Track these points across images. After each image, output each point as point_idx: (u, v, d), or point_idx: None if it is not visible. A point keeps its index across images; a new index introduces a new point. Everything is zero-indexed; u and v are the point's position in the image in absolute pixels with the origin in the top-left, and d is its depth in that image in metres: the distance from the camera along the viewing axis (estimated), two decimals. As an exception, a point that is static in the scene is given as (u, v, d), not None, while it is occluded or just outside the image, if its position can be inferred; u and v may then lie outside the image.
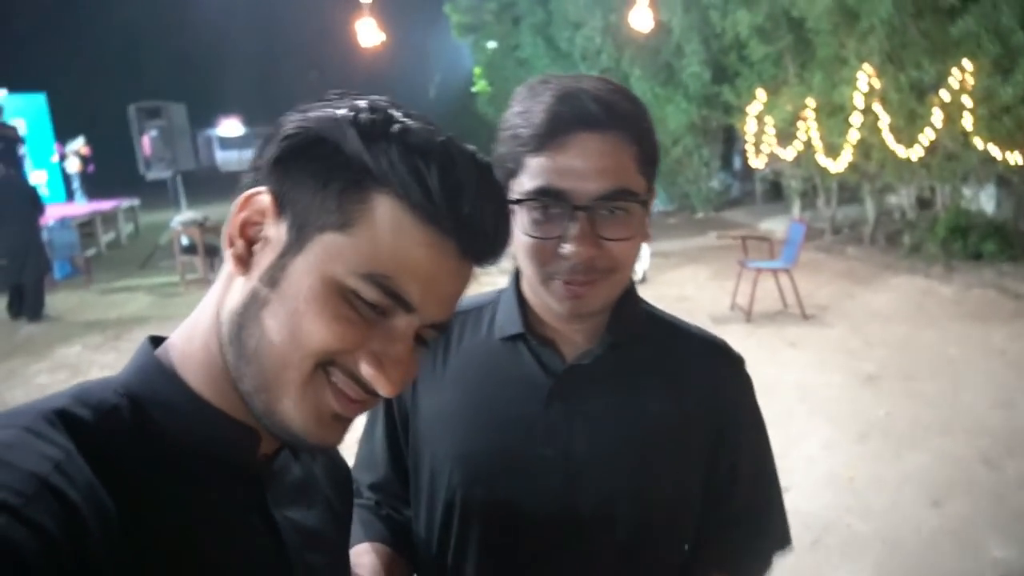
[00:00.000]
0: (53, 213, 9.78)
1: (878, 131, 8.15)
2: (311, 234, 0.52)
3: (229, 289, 0.56)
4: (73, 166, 14.59)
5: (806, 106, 9.33)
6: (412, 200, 0.52)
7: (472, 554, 0.90)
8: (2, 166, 7.82)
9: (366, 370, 0.53)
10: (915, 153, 7.91)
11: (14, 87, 13.93)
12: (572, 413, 0.87)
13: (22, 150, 11.62)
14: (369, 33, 7.82)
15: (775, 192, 12.92)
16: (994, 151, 7.28)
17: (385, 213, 0.52)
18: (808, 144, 9.43)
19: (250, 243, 0.55)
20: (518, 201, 0.79)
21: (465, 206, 0.53)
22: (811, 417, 4.28)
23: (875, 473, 3.60)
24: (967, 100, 7.29)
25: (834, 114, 8.93)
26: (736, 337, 5.85)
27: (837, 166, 8.96)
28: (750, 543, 0.97)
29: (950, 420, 4.14)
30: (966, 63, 7.27)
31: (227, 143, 36.72)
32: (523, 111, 0.80)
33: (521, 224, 0.80)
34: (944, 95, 7.50)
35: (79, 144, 14.89)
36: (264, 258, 0.54)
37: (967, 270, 7.46)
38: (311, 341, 0.52)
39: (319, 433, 0.55)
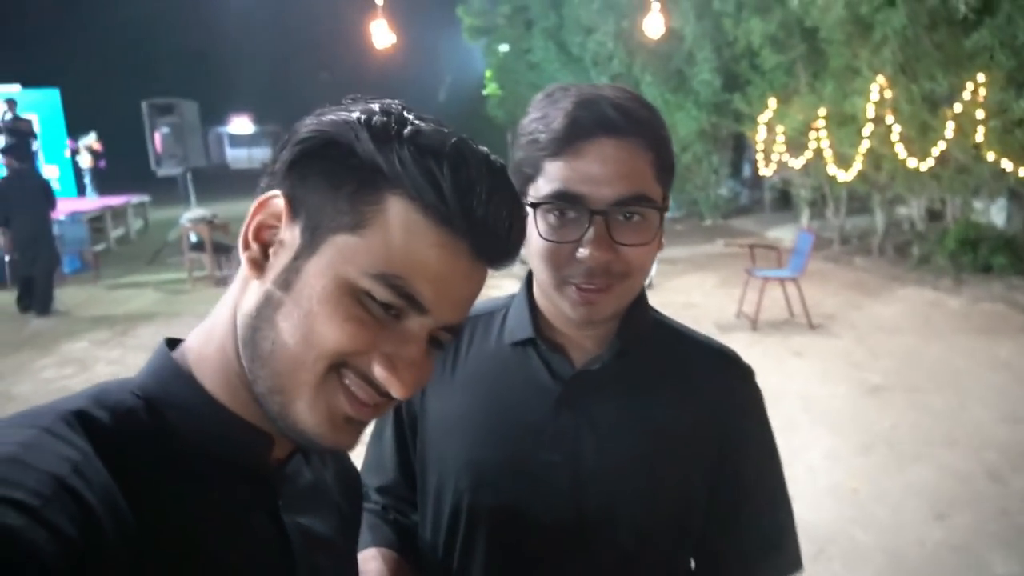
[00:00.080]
0: (64, 208, 9.84)
1: (889, 142, 8.12)
2: (324, 236, 0.52)
3: (245, 292, 0.56)
4: (85, 161, 14.71)
5: (817, 115, 9.31)
6: (425, 201, 0.52)
7: (478, 558, 0.90)
8: (15, 160, 7.88)
9: (379, 372, 0.53)
10: (926, 165, 7.89)
11: (28, 82, 14.05)
12: (580, 419, 0.87)
13: (35, 145, 11.71)
14: (382, 35, 7.84)
15: (784, 201, 12.89)
16: (1006, 164, 7.25)
17: (398, 214, 0.52)
18: (818, 153, 9.40)
19: (265, 247, 0.55)
20: (535, 205, 0.80)
21: (478, 207, 0.53)
22: (815, 427, 4.26)
23: (879, 485, 3.58)
24: (980, 113, 7.26)
25: (845, 124, 8.90)
26: (741, 345, 5.79)
27: (847, 176, 8.93)
28: (759, 559, 0.95)
29: (955, 433, 4.11)
30: (979, 76, 7.25)
31: (237, 141, 36.89)
32: (542, 117, 0.81)
33: (538, 228, 0.80)
34: (956, 107, 7.47)
35: (91, 139, 15.02)
36: (278, 261, 0.54)
37: (976, 283, 7.42)
38: (324, 342, 0.52)
39: (332, 436, 0.55)
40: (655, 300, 0.94)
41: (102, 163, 15.40)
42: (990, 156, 7.31)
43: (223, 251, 9.19)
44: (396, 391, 0.54)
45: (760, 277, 6.48)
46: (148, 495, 0.49)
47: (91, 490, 0.45)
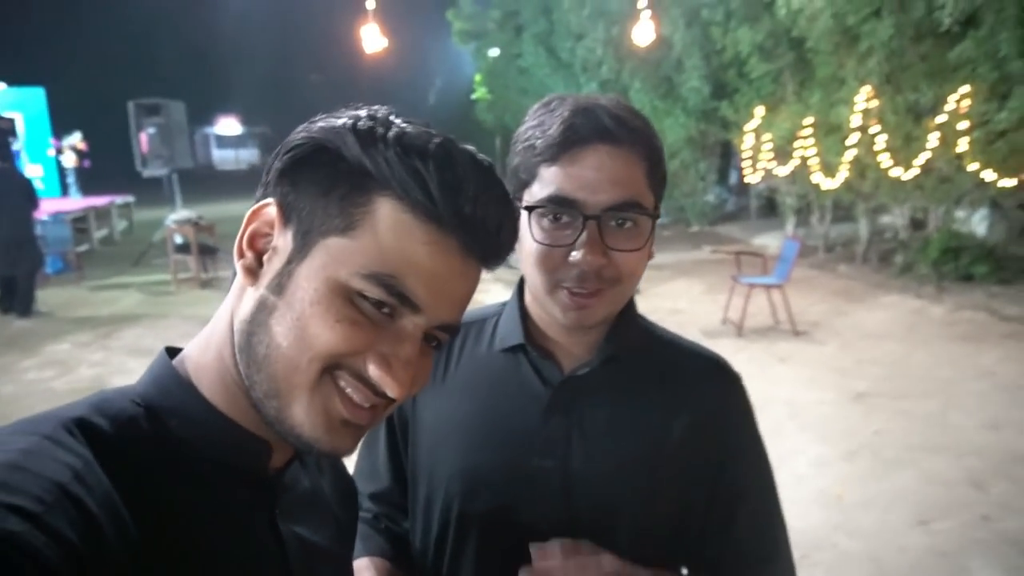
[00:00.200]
0: (47, 208, 9.74)
1: (874, 151, 8.22)
2: (315, 239, 0.53)
3: (241, 300, 0.56)
4: (69, 161, 14.57)
5: (804, 124, 9.41)
6: (413, 200, 0.52)
7: (468, 564, 0.90)
8: (-2, 159, 7.78)
9: (374, 371, 0.53)
10: (910, 174, 7.99)
11: (12, 81, 13.92)
12: (570, 424, 0.87)
13: (17, 143, 11.58)
14: (373, 39, 7.83)
15: (770, 208, 13.00)
16: (988, 175, 7.36)
17: (387, 214, 0.53)
18: (804, 161, 9.49)
19: (259, 255, 0.56)
20: (530, 209, 0.81)
21: (466, 204, 0.53)
22: (801, 434, 4.29)
23: (864, 491, 3.61)
24: (963, 124, 7.37)
25: (831, 133, 9.01)
26: (727, 352, 5.80)
27: (832, 184, 9.03)
28: (754, 570, 0.94)
29: (939, 440, 4.16)
30: (963, 88, 7.36)
31: (224, 142, 36.64)
32: (538, 124, 0.82)
33: (532, 232, 0.81)
34: (940, 118, 7.58)
35: (76, 139, 14.88)
36: (272, 267, 0.55)
37: (958, 291, 7.51)
38: (317, 344, 0.52)
39: (329, 439, 0.55)
40: (642, 306, 0.94)
41: (86, 163, 15.26)
42: (973, 166, 7.42)
43: (208, 253, 9.13)
44: (391, 390, 0.54)
45: (746, 284, 6.53)
46: (148, 502, 0.49)
47: (92, 497, 0.45)
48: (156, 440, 0.53)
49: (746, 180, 11.84)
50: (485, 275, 0.60)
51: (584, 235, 0.78)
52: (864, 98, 8.21)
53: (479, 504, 0.88)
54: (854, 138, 8.41)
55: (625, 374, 0.89)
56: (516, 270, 0.88)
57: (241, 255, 0.56)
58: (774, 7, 8.88)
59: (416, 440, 0.95)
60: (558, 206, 0.79)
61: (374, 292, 0.52)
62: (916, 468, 3.83)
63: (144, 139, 10.20)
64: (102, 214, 12.84)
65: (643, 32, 8.70)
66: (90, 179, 15.35)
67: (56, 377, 5.45)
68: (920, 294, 7.67)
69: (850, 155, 8.55)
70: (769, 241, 11.03)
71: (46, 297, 7.96)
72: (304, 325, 0.52)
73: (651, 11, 8.74)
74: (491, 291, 6.70)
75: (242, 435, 0.57)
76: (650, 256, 0.85)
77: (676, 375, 0.92)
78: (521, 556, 0.87)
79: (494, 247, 0.57)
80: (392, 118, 0.55)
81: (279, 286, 0.53)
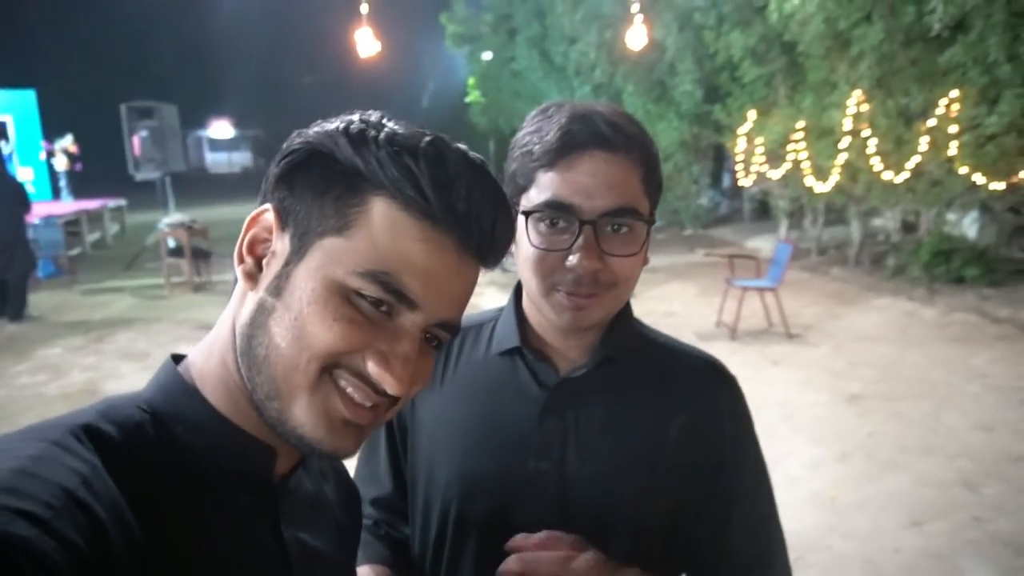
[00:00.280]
0: (38, 211, 9.68)
1: (865, 155, 8.28)
2: (312, 240, 0.54)
3: (242, 305, 0.57)
4: (61, 164, 14.48)
5: (796, 128, 9.46)
6: (406, 198, 0.53)
7: (466, 566, 0.90)
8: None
9: (372, 368, 0.54)
10: (901, 177, 8.04)
11: (3, 83, 13.84)
12: (566, 426, 0.88)
13: (7, 147, 11.50)
14: (367, 43, 7.83)
15: (763, 211, 13.05)
16: (978, 178, 7.42)
17: (381, 213, 0.53)
18: (796, 165, 9.55)
19: (259, 260, 0.57)
20: (527, 213, 0.82)
21: (458, 200, 0.54)
22: (794, 436, 4.31)
23: (857, 493, 3.63)
24: (953, 128, 7.43)
25: (823, 137, 9.06)
26: (721, 354, 5.80)
27: (824, 187, 9.08)
28: (752, 574, 0.94)
29: (932, 442, 4.18)
30: (953, 92, 7.42)
31: (217, 145, 36.49)
32: (536, 130, 0.83)
33: (528, 236, 0.82)
34: (931, 122, 7.64)
35: (67, 142, 14.79)
36: (271, 271, 0.55)
37: (950, 293, 7.56)
38: (315, 342, 0.52)
39: (331, 439, 0.55)
40: (636, 309, 0.95)
41: (78, 166, 15.17)
42: (963, 170, 7.48)
43: (202, 257, 9.10)
44: (391, 387, 0.54)
45: (739, 287, 6.55)
46: (154, 508, 0.50)
47: (99, 502, 0.45)
48: (162, 446, 0.54)
49: (739, 183, 11.88)
50: (480, 278, 0.60)
51: (580, 240, 0.79)
52: (855, 102, 8.26)
53: (476, 507, 0.88)
54: (846, 142, 8.46)
55: (620, 376, 0.90)
56: (511, 273, 0.89)
57: (241, 260, 0.57)
58: (766, 11, 8.93)
59: (415, 444, 0.96)
60: (555, 211, 0.80)
61: (370, 290, 0.53)
62: (909, 470, 3.85)
63: (137, 142, 10.16)
64: (94, 218, 12.77)
65: (636, 36, 8.74)
66: (82, 182, 15.26)
67: (48, 382, 5.42)
68: (912, 296, 7.71)
69: (842, 158, 8.60)
70: (762, 244, 11.08)
71: (38, 301, 7.91)
72: (302, 325, 0.52)
73: (644, 15, 8.78)
74: (485, 294, 6.70)
75: (247, 441, 0.57)
76: (645, 261, 0.86)
77: (671, 377, 0.92)
78: None
79: (490, 244, 0.57)
80: (384, 121, 0.56)
81: (277, 288, 0.54)
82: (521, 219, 0.82)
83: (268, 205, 0.57)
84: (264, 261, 0.56)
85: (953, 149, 7.46)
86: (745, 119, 10.65)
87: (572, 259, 0.79)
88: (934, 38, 7.42)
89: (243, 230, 0.57)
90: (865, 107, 8.22)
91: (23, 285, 7.48)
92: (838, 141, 8.59)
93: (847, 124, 8.36)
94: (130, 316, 7.55)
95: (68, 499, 0.43)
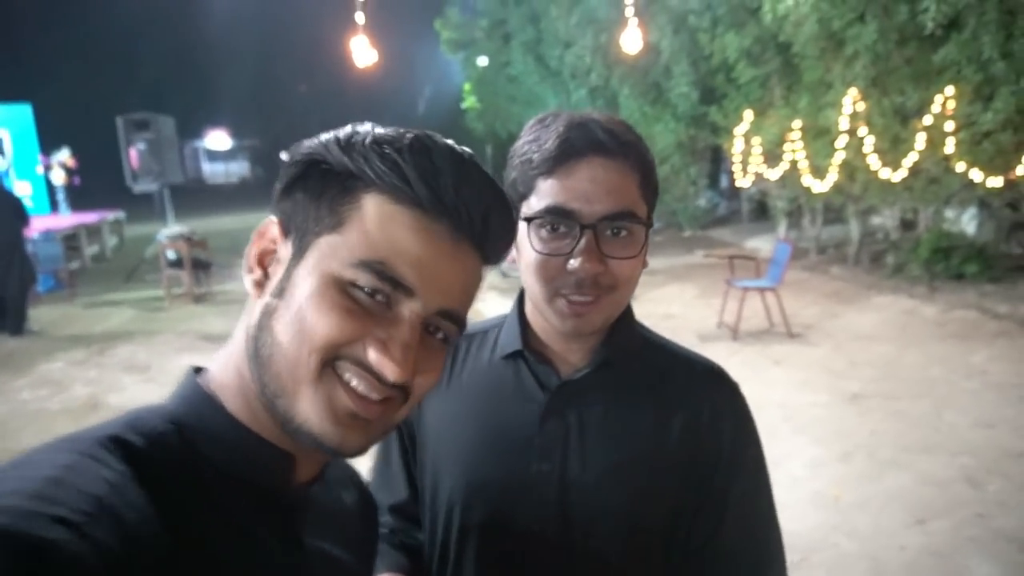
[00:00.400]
0: (37, 225, 9.68)
1: (862, 154, 8.29)
2: (310, 241, 0.56)
3: (251, 313, 0.59)
4: (58, 178, 14.48)
5: (792, 128, 9.48)
6: (394, 189, 0.55)
7: (469, 568, 0.91)
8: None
9: (372, 355, 0.55)
10: (898, 176, 8.06)
11: (-1, 97, 13.85)
12: (567, 428, 0.89)
13: (3, 162, 11.49)
14: (363, 52, 7.84)
15: (761, 211, 13.07)
16: (975, 175, 7.43)
17: (372, 207, 0.55)
18: (794, 165, 9.57)
19: (267, 270, 0.59)
20: (529, 219, 0.84)
21: (446, 189, 0.55)
22: (796, 436, 4.31)
23: (860, 492, 3.63)
24: (949, 125, 7.45)
25: (820, 136, 9.08)
26: (722, 355, 5.87)
27: (822, 187, 9.10)
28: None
29: (933, 440, 4.18)
30: (948, 89, 7.44)
31: (214, 155, 36.52)
32: (534, 139, 0.86)
33: (530, 242, 0.84)
34: (927, 120, 7.66)
35: (65, 155, 14.80)
36: (275, 276, 0.58)
37: (950, 291, 7.57)
38: (315, 334, 0.54)
39: (336, 432, 0.55)
40: (636, 312, 0.96)
41: (76, 180, 15.18)
42: (960, 167, 7.50)
43: (201, 267, 9.11)
44: (390, 372, 0.54)
45: (739, 287, 6.56)
46: (179, 516, 0.51)
47: (129, 510, 0.47)
48: (185, 456, 0.55)
49: (737, 184, 11.90)
50: (492, 263, 0.62)
51: (581, 243, 0.81)
52: (851, 101, 8.29)
53: (479, 510, 0.90)
54: (842, 141, 8.48)
55: (620, 378, 0.91)
56: (511, 278, 0.90)
57: (250, 271, 0.59)
58: (760, 13, 8.96)
59: (422, 449, 0.98)
60: (556, 216, 0.82)
61: (366, 280, 0.54)
62: (912, 468, 3.85)
63: (134, 154, 10.18)
64: (93, 231, 12.77)
65: (631, 39, 8.75)
66: (79, 195, 15.27)
67: (50, 396, 5.41)
68: (912, 294, 7.72)
69: (839, 158, 8.62)
70: (761, 244, 11.09)
71: (38, 315, 7.92)
72: (301, 319, 0.54)
73: (638, 18, 8.80)
74: (486, 299, 6.70)
75: (265, 448, 0.58)
76: (644, 265, 0.88)
77: (671, 380, 0.94)
78: (522, 560, 0.89)
79: (483, 232, 0.58)
80: (373, 127, 0.58)
81: (280, 290, 0.56)
82: (523, 226, 0.84)
83: (272, 218, 0.60)
84: (270, 269, 0.59)
85: (950, 146, 7.48)
86: (741, 120, 10.68)
87: (573, 263, 0.81)
88: (928, 37, 7.45)
89: (252, 242, 0.60)
90: (861, 106, 8.24)
91: (23, 300, 7.48)
92: (835, 140, 8.61)
93: (843, 123, 8.39)
94: (131, 329, 7.56)
95: (100, 506, 0.45)
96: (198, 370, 0.62)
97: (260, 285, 0.59)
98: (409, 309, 0.56)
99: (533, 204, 0.84)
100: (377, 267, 0.54)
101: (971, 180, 7.52)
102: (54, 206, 14.73)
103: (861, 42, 7.87)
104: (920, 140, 7.71)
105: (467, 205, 0.56)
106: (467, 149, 0.59)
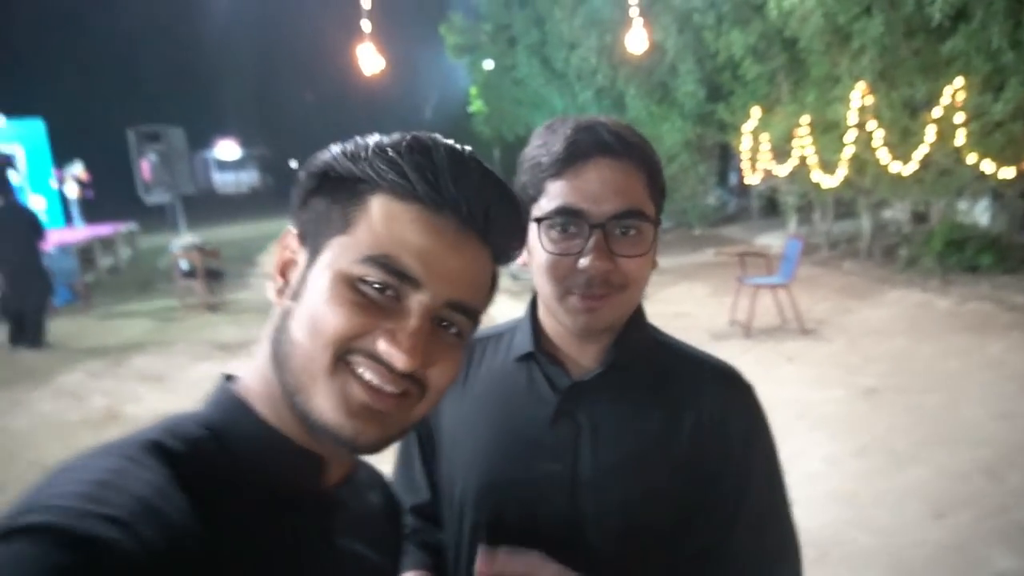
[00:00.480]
0: (53, 239, 9.78)
1: (872, 147, 8.25)
2: (322, 244, 0.59)
3: (273, 319, 0.62)
4: (72, 191, 14.65)
5: (800, 123, 9.44)
6: (398, 189, 0.58)
7: None
8: (0, 196, 7.71)
9: (381, 345, 0.57)
10: (909, 169, 8.01)
11: (11, 113, 14.00)
12: (578, 428, 0.90)
13: (17, 177, 11.61)
14: (370, 60, 7.88)
15: (771, 208, 13.02)
16: (986, 166, 7.37)
17: (378, 207, 0.58)
18: (803, 160, 9.53)
19: (287, 279, 0.62)
20: (539, 220, 0.86)
21: (447, 184, 0.58)
22: (811, 432, 4.29)
23: (878, 487, 3.61)
24: (959, 117, 7.39)
25: (828, 131, 9.04)
26: (735, 352, 5.86)
27: (832, 182, 9.05)
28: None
29: (951, 433, 4.15)
30: (957, 81, 7.39)
31: (224, 165, 36.79)
32: (543, 144, 0.88)
33: (541, 242, 0.86)
34: (936, 112, 7.61)
35: (77, 169, 14.97)
36: (293, 281, 0.62)
37: (964, 283, 7.50)
38: (327, 329, 0.56)
39: (351, 424, 0.57)
40: (647, 311, 0.97)
41: (89, 193, 15.34)
42: (971, 158, 7.44)
43: (215, 277, 9.18)
44: (399, 361, 0.56)
45: (751, 285, 6.54)
46: (216, 516, 0.53)
47: (172, 510, 0.50)
48: (220, 458, 0.58)
49: (746, 181, 11.86)
50: (502, 260, 0.64)
51: (591, 242, 0.83)
52: (859, 95, 8.25)
53: (492, 509, 0.92)
54: (851, 135, 8.44)
55: (632, 379, 0.92)
56: (522, 280, 0.92)
57: (274, 282, 0.63)
58: (765, 9, 8.94)
59: (439, 450, 1.00)
60: (565, 217, 0.84)
61: (373, 274, 0.57)
62: (929, 461, 3.83)
63: (146, 166, 10.26)
64: (107, 243, 12.90)
65: (636, 39, 8.76)
66: (92, 208, 15.43)
67: (70, 408, 5.47)
68: (925, 287, 7.66)
69: (848, 152, 8.58)
70: (772, 241, 11.04)
71: (55, 328, 8.00)
72: (314, 316, 0.57)
73: (643, 18, 8.81)
74: (498, 303, 6.71)
75: (294, 450, 0.61)
76: (654, 264, 0.89)
77: (682, 380, 0.94)
78: None
79: (486, 225, 0.60)
80: (377, 136, 0.61)
81: (296, 293, 0.60)
82: (533, 227, 0.86)
83: (292, 229, 0.63)
84: (290, 277, 0.62)
85: (960, 138, 7.43)
86: (749, 117, 10.65)
87: (584, 261, 0.83)
88: (935, 28, 7.40)
89: (275, 255, 0.64)
90: (869, 100, 8.20)
91: (41, 313, 7.56)
92: (843, 135, 8.57)
93: (852, 118, 8.35)
94: (147, 339, 7.63)
95: (146, 506, 0.48)
96: (229, 378, 0.65)
97: (281, 292, 0.62)
98: (417, 301, 0.58)
99: (543, 205, 0.86)
100: (383, 260, 0.57)
101: (983, 171, 7.46)
102: (68, 220, 14.90)
103: (868, 35, 7.83)
104: (930, 132, 7.67)
105: (467, 199, 0.58)
106: (468, 147, 0.61)
